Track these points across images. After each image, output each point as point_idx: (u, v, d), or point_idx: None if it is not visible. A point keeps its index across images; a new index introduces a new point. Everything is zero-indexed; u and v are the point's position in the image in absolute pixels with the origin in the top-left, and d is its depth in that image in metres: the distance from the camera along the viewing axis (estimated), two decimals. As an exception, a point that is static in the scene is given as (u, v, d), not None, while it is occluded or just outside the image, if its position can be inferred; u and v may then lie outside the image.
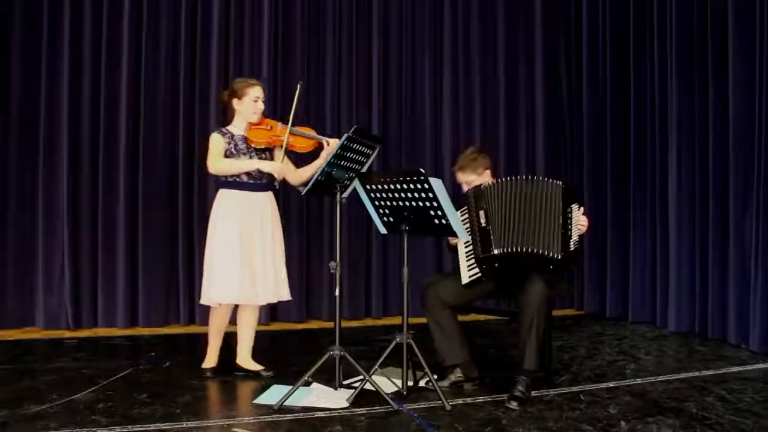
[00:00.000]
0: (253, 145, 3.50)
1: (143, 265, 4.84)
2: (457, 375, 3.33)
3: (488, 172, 3.46)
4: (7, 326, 4.63)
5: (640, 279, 5.17)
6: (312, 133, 3.61)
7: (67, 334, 4.58)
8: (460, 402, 3.09)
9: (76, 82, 4.76)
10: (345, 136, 3.11)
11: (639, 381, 3.47)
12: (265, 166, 3.45)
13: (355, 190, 3.30)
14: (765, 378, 3.53)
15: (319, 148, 3.54)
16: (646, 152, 5.12)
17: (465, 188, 3.42)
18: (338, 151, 3.11)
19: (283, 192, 5.10)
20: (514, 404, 3.00)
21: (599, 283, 5.58)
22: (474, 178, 3.41)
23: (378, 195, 3.19)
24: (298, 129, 3.57)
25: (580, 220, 3.20)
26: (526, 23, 5.87)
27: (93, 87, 4.80)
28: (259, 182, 3.51)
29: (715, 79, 4.47)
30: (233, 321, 3.65)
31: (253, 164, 3.45)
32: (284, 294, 3.63)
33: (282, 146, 3.47)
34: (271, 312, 5.01)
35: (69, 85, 4.72)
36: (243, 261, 3.40)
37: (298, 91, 3.46)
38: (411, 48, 5.57)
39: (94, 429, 2.69)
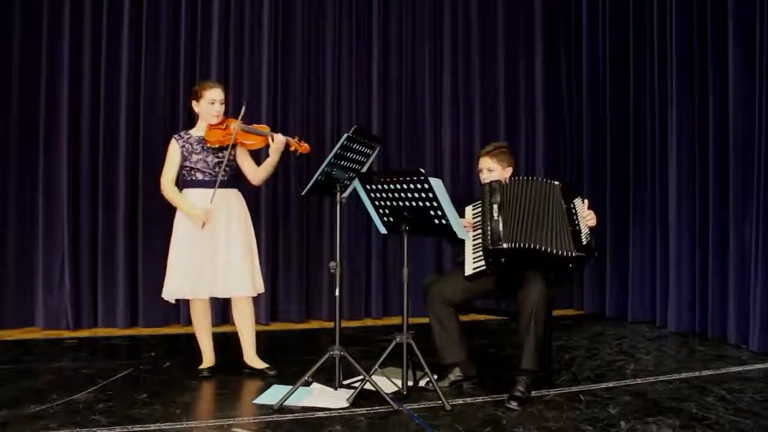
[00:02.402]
0: (209, 145, 3.51)
1: (143, 265, 4.83)
2: (456, 374, 3.33)
3: (510, 170, 3.48)
4: (7, 326, 4.64)
5: (640, 279, 5.17)
6: (263, 129, 3.60)
7: (67, 334, 4.58)
8: (460, 402, 3.09)
9: (76, 82, 4.76)
10: (345, 136, 3.11)
11: (639, 381, 3.47)
12: (191, 212, 3.42)
13: (355, 190, 3.31)
14: (765, 378, 3.53)
15: (270, 144, 3.53)
16: (646, 153, 5.12)
17: (483, 175, 3.44)
18: (338, 151, 3.11)
19: (283, 192, 5.12)
20: (514, 404, 3.00)
21: (599, 283, 5.58)
22: (496, 167, 3.42)
23: (378, 195, 3.20)
24: (251, 126, 3.59)
25: (585, 214, 3.22)
26: (526, 23, 5.87)
27: (93, 87, 4.80)
28: (217, 179, 3.47)
29: (715, 79, 4.46)
30: (231, 321, 3.65)
31: (184, 209, 3.46)
32: (241, 290, 3.50)
33: (230, 145, 3.47)
34: (271, 312, 5.02)
35: (69, 85, 4.72)
36: (189, 256, 3.43)
37: (242, 112, 3.47)
38: (411, 48, 5.57)
39: (94, 429, 2.69)
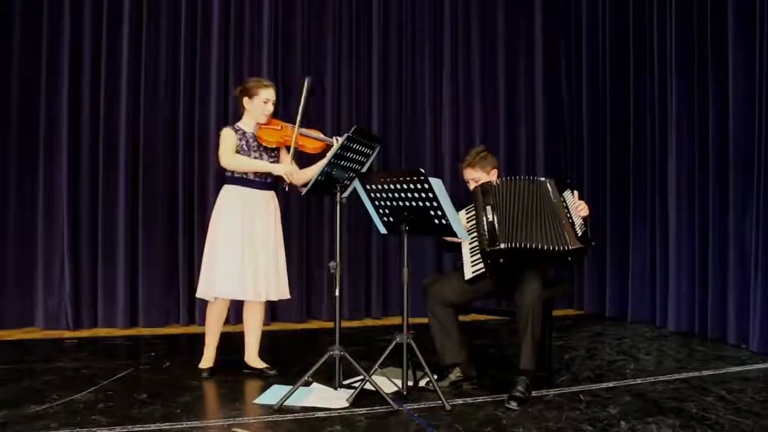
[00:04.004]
0: (263, 144, 3.52)
1: (143, 265, 4.84)
2: (456, 374, 3.33)
3: (495, 171, 3.49)
4: (7, 326, 4.63)
5: (639, 279, 5.17)
6: (320, 134, 3.63)
7: (67, 334, 4.58)
8: (460, 402, 3.09)
9: (76, 82, 4.76)
10: (345, 135, 3.12)
11: (639, 381, 3.47)
12: (278, 169, 3.46)
13: (355, 190, 3.31)
14: (765, 378, 3.53)
15: (327, 148, 3.54)
16: (646, 152, 5.11)
17: (471, 185, 3.44)
18: (338, 151, 3.11)
19: (283, 192, 5.10)
20: (513, 404, 3.00)
21: (599, 283, 5.58)
22: (481, 175, 3.43)
23: (378, 195, 3.20)
24: (306, 130, 3.59)
25: (576, 205, 3.23)
26: (526, 23, 5.87)
27: (93, 87, 4.80)
28: (265, 181, 3.53)
29: (715, 79, 4.46)
30: (231, 321, 3.64)
31: (266, 167, 3.46)
32: (285, 292, 3.64)
33: (291, 146, 3.48)
34: (271, 312, 5.01)
35: (69, 85, 4.72)
36: (245, 257, 3.41)
37: (306, 88, 3.45)
38: (411, 48, 5.57)
39: (94, 429, 2.69)
